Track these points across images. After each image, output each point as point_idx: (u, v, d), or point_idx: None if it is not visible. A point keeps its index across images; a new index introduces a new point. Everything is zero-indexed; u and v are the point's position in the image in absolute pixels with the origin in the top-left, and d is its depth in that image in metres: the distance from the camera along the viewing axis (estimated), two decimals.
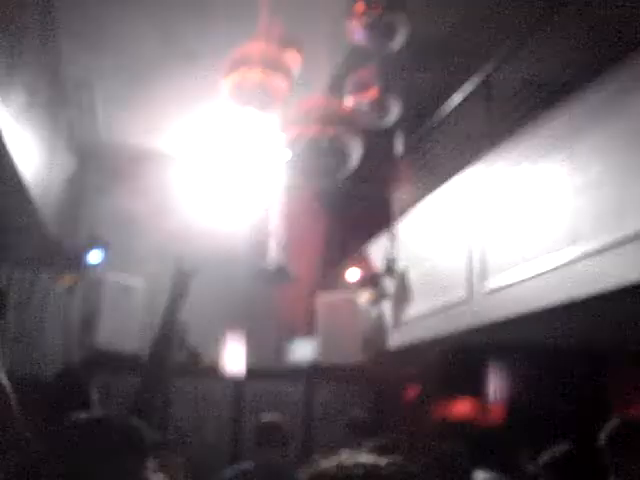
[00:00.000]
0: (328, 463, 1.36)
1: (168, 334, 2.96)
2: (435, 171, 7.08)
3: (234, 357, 7.25)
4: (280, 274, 6.59)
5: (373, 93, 4.53)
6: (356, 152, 4.26)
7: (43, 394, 2.93)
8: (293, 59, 4.29)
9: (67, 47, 6.52)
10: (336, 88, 5.15)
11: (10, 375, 2.51)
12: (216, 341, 8.10)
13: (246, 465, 4.51)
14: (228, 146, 8.40)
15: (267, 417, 4.80)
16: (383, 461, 1.34)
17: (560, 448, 3.24)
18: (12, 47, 4.32)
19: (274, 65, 3.85)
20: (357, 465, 1.33)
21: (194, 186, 7.99)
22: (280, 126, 4.26)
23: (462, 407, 7.66)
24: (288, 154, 4.33)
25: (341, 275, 8.88)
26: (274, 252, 6.80)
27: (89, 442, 1.90)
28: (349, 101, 4.63)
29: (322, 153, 4.23)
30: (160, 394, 2.92)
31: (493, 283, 5.62)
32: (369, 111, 4.65)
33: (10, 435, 2.34)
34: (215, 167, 8.09)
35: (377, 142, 6.20)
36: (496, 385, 7.38)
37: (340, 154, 4.24)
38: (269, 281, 6.76)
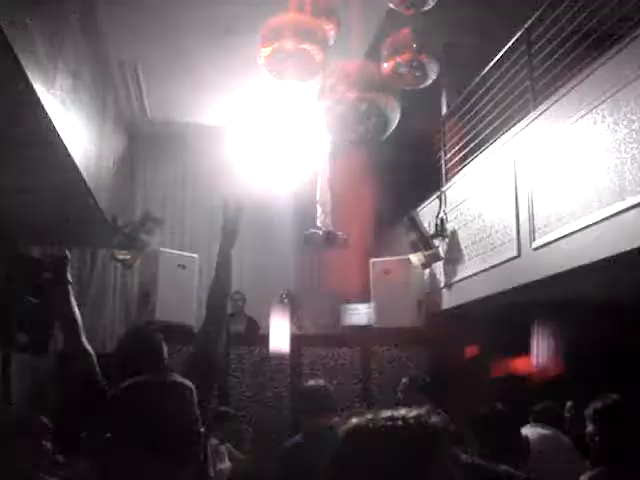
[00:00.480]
0: (361, 419, 1.43)
1: (227, 270, 2.99)
2: (480, 130, 7.03)
3: (279, 333, 7.29)
4: (329, 239, 6.62)
5: (409, 55, 4.52)
6: (395, 114, 4.28)
7: (115, 358, 3.05)
8: (328, 27, 4.31)
9: (109, 28, 6.64)
10: (373, 53, 5.15)
11: None
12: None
13: (297, 438, 4.44)
14: (273, 115, 8.45)
15: (310, 383, 4.64)
16: (411, 413, 1.40)
17: (609, 399, 3.26)
18: (54, 33, 4.44)
19: (308, 35, 3.88)
20: (386, 418, 1.40)
21: (242, 156, 8.07)
22: (320, 92, 4.30)
23: (517, 365, 7.67)
24: (329, 119, 4.37)
25: (393, 239, 8.94)
26: (323, 217, 6.82)
27: (153, 404, 1.92)
28: (386, 65, 4.63)
29: (361, 117, 4.27)
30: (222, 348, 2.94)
31: (541, 239, 5.60)
32: (407, 73, 4.64)
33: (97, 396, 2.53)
34: (262, 136, 8.16)
35: (421, 103, 6.19)
36: (547, 342, 7.39)
37: (379, 117, 4.27)
38: (319, 246, 6.79)
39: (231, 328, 8.13)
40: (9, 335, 6.18)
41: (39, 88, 4.01)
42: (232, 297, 8.44)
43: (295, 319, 8.11)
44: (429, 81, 4.78)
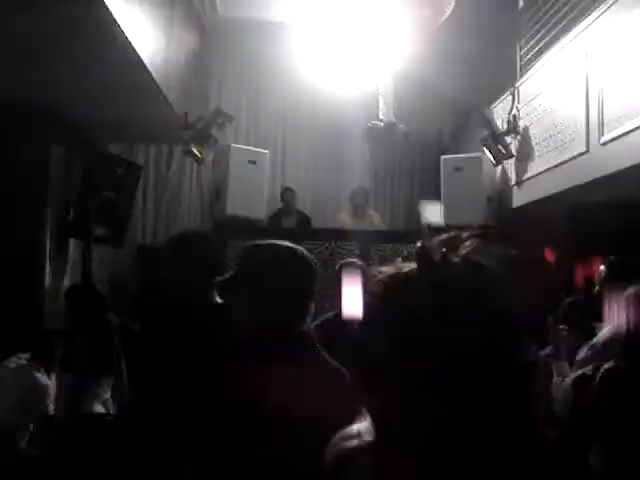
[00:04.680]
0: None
1: None
2: (555, 24, 6.75)
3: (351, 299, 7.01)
4: (390, 130, 6.50)
5: None
6: None
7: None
8: None
9: None
10: None
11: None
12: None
13: (330, 314, 4.57)
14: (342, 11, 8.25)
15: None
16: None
17: None
18: None
19: None
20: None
21: (311, 53, 7.96)
22: None
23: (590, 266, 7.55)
24: None
25: (465, 135, 8.82)
26: (384, 109, 6.69)
27: None
28: None
29: None
30: None
31: (611, 134, 5.45)
32: None
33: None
34: (330, 32, 8.00)
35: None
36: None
37: None
38: (380, 138, 6.69)
39: (283, 222, 8.32)
40: (88, 228, 6.50)
41: None
42: (283, 195, 8.62)
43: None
44: None
